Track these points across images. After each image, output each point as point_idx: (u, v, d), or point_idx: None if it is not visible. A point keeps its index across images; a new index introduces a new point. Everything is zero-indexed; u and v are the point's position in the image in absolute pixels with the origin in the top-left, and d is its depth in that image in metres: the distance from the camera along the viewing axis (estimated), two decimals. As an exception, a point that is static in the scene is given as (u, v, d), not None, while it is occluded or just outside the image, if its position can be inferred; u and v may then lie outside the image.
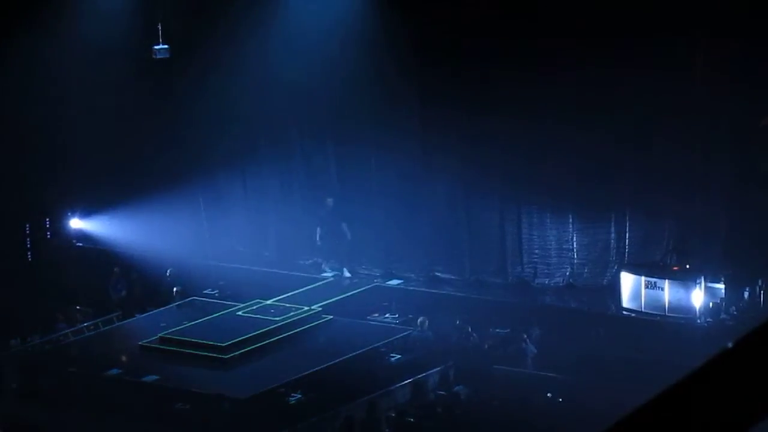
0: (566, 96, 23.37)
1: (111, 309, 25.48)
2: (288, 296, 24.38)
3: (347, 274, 25.51)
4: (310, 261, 26.57)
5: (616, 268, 23.59)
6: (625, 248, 23.79)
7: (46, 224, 28.41)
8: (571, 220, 24.29)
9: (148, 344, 22.73)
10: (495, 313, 23.12)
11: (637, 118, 23.19)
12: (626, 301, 22.67)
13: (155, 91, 27.27)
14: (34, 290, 25.83)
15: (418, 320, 22.59)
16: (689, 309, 21.81)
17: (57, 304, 25.27)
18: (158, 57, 25.11)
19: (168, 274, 26.04)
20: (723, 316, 21.56)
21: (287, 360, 21.87)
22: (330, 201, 25.51)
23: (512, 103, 24.05)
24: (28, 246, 28.04)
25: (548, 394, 20.05)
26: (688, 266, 22.36)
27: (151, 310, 25.08)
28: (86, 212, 28.52)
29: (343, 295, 24.64)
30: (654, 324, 22.01)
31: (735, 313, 21.54)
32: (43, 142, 27.50)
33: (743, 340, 3.04)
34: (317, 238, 25.57)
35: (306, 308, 23.62)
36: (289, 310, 23.53)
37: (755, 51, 21.82)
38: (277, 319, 23.09)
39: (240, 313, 23.78)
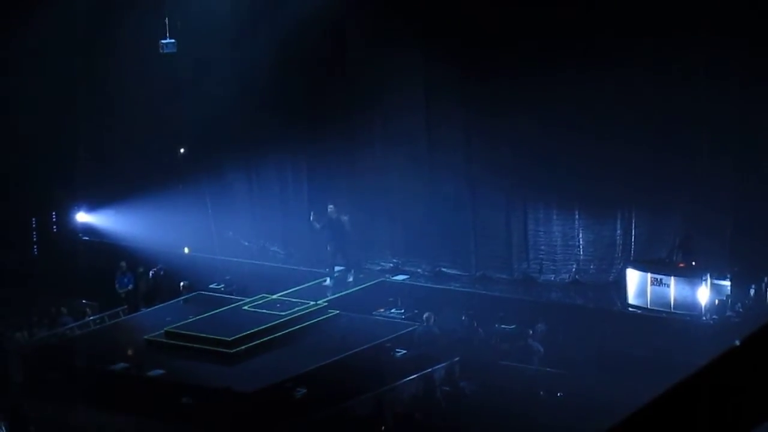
0: (572, 94, 23.35)
1: (117, 303, 25.51)
2: (294, 291, 24.38)
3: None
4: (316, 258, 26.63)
5: (621, 264, 23.58)
6: (631, 245, 23.75)
7: (53, 218, 28.43)
8: (577, 217, 24.27)
9: (154, 338, 22.75)
10: (501, 309, 23.12)
11: (642, 116, 23.15)
12: (632, 298, 22.65)
13: (161, 86, 27.27)
14: (40, 284, 25.86)
15: (424, 315, 22.57)
16: (695, 306, 21.79)
17: (63, 297, 25.28)
18: (165, 51, 25.09)
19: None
20: (729, 313, 21.53)
21: (293, 355, 21.85)
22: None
23: (518, 100, 24.05)
24: (35, 240, 28.07)
25: (558, 394, 20.04)
26: (693, 263, 22.33)
27: (157, 305, 25.10)
28: (92, 206, 28.54)
29: (349, 291, 24.63)
30: (660, 321, 22.00)
31: (741, 310, 21.51)
32: (49, 137, 27.50)
33: (750, 338, 3.04)
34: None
35: (312, 303, 23.61)
36: (295, 304, 23.53)
37: (757, 51, 21.79)
38: (283, 313, 23.09)
39: (246, 307, 23.78)
